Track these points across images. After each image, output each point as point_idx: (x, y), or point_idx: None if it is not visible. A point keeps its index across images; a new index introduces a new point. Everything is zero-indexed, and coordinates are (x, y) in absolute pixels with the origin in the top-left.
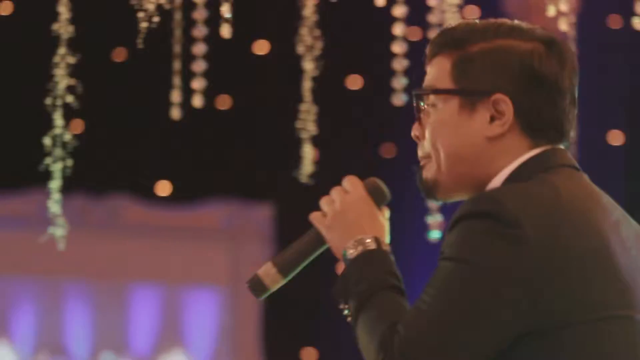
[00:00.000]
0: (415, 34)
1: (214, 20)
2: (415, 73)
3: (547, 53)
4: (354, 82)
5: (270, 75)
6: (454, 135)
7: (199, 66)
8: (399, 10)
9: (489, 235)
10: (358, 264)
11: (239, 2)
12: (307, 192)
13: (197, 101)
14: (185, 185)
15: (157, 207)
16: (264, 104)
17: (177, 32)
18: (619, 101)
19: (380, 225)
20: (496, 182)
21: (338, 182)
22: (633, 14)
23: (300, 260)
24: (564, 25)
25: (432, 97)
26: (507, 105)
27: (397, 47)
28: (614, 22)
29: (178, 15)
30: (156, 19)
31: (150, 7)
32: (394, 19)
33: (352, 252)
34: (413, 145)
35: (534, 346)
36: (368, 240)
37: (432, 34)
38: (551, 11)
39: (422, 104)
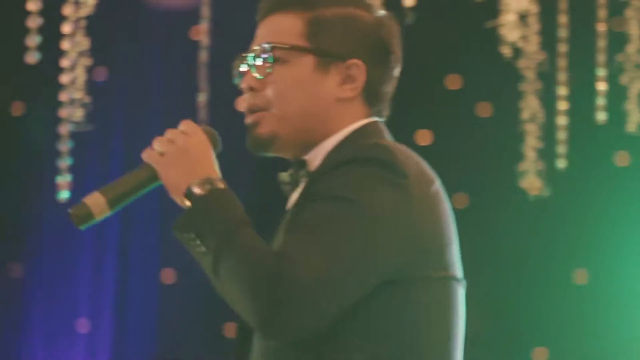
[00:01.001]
0: None
1: None
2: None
3: (391, 28)
4: None
5: None
6: (307, 93)
7: None
8: None
9: (381, 181)
10: (210, 201)
11: None
12: None
13: None
14: None
15: None
16: None
17: None
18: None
19: (217, 167)
20: (331, 142)
21: None
22: None
23: (130, 194)
24: None
25: (283, 52)
26: (360, 72)
27: (32, 5)
28: None
29: None
30: None
31: None
32: None
33: (199, 190)
34: (44, 104)
35: (392, 295)
36: (216, 179)
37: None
38: None
39: (264, 56)
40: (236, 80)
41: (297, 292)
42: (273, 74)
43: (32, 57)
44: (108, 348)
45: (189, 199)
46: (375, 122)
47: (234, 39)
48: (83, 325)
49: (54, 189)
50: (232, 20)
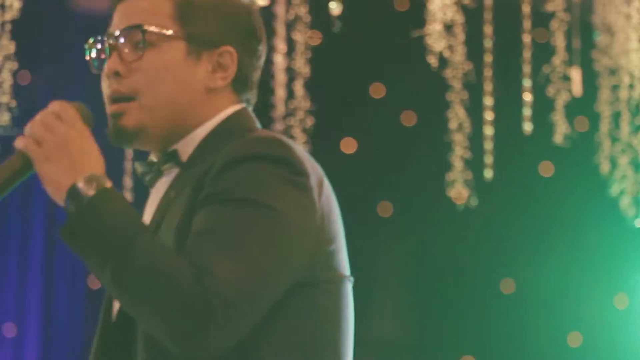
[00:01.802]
0: None
1: None
2: None
3: (258, 15)
4: None
5: None
6: (177, 81)
7: None
8: None
9: (284, 182)
10: (101, 203)
11: None
12: None
13: None
14: None
15: None
16: None
17: None
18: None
19: (102, 161)
20: (201, 131)
21: None
22: None
23: (3, 188)
24: None
25: (154, 36)
26: (232, 60)
27: None
28: None
29: None
30: None
31: None
32: None
33: (86, 190)
34: None
35: (299, 298)
36: (102, 177)
37: None
38: None
39: (133, 39)
40: (94, 64)
41: (223, 312)
42: (142, 60)
43: None
44: (35, 352)
45: (75, 200)
46: (244, 109)
47: None
48: (10, 330)
49: None
50: None
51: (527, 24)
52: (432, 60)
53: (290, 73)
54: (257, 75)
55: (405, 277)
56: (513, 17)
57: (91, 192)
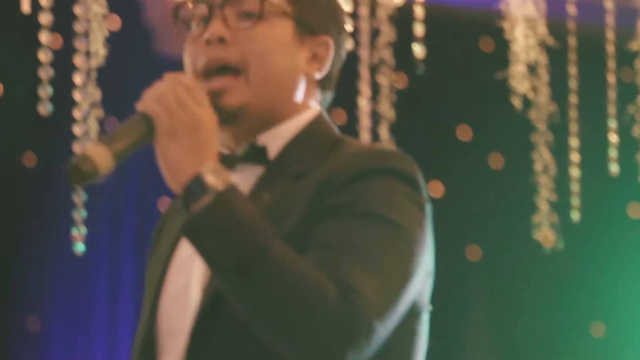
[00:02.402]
0: (59, 43)
1: None
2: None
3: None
4: None
5: None
6: (285, 60)
7: None
8: (45, 18)
9: (410, 200)
10: (231, 199)
11: None
12: None
13: None
14: None
15: None
16: None
17: None
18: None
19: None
20: (289, 127)
21: None
22: None
23: (131, 148)
24: None
25: (269, 7)
26: (328, 52)
27: (43, 56)
28: None
29: None
30: None
31: None
32: (39, 26)
33: (214, 182)
34: (56, 155)
35: (401, 324)
36: (224, 170)
37: (79, 43)
38: None
39: (247, 7)
40: (192, 26)
41: (365, 334)
42: (253, 29)
43: (44, 109)
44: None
45: (199, 191)
46: (323, 113)
47: None
48: None
49: (69, 241)
50: None
51: (611, 63)
52: (517, 102)
53: (375, 116)
54: (337, 75)
55: (495, 320)
56: (597, 56)
57: (220, 186)
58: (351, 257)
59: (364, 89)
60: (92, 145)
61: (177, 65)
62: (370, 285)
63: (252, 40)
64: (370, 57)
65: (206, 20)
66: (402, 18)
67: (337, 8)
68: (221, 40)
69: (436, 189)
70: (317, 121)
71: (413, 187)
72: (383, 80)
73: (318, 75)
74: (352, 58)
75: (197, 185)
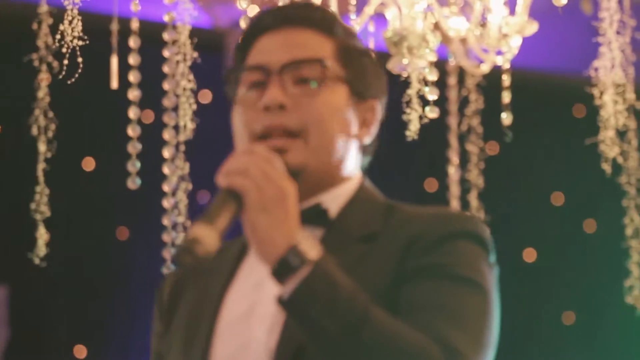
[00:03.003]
0: (149, 117)
1: None
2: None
3: None
4: (89, 164)
5: (3, 157)
6: (342, 126)
7: None
8: (133, 94)
9: (487, 264)
10: (329, 269)
11: None
12: (41, 274)
13: None
14: None
15: None
16: None
17: None
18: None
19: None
20: (344, 190)
21: (71, 264)
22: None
23: (229, 225)
24: None
25: (325, 73)
26: (375, 116)
27: (132, 131)
28: None
29: None
30: None
31: None
32: (128, 102)
33: (309, 252)
34: (147, 229)
35: None
36: (314, 240)
37: (168, 117)
38: None
39: (309, 73)
40: (247, 94)
41: None
42: (315, 95)
43: (133, 183)
44: None
45: (294, 262)
46: (365, 178)
47: None
48: None
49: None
50: None
51: None
52: (607, 167)
53: (464, 184)
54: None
55: None
56: None
57: (314, 255)
58: (447, 318)
59: (453, 157)
60: (198, 227)
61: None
62: (469, 346)
63: (311, 107)
64: (458, 125)
65: (260, 85)
66: (490, 86)
67: (380, 72)
68: (281, 107)
69: (529, 255)
70: (364, 186)
71: (487, 250)
72: (472, 148)
73: (367, 140)
74: (441, 127)
75: (293, 256)
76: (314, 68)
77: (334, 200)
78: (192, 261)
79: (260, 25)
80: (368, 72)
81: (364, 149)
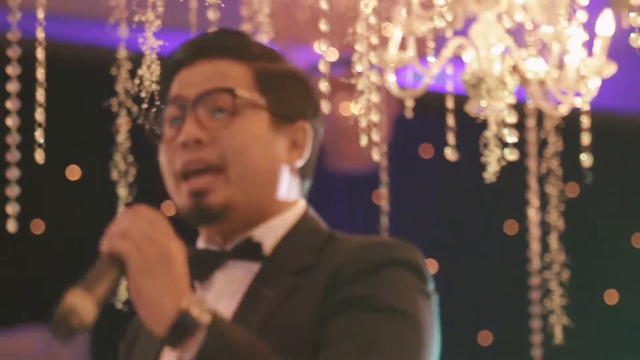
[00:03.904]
0: None
1: (27, 144)
2: None
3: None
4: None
5: (84, 200)
6: (263, 154)
7: (13, 191)
8: None
9: (420, 291)
10: (223, 331)
11: (52, 127)
12: (124, 318)
13: (11, 226)
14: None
15: None
16: (78, 228)
17: None
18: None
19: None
20: (282, 222)
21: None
22: (444, 143)
23: (109, 293)
24: (376, 155)
25: (242, 102)
26: (306, 137)
27: None
28: (425, 151)
29: None
30: None
31: None
32: None
33: (200, 315)
34: None
35: None
36: (203, 299)
37: None
38: (363, 140)
39: (221, 104)
40: (159, 131)
41: None
42: (229, 126)
43: None
44: None
45: (185, 327)
46: (308, 207)
47: (413, 205)
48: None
49: None
50: (408, 184)
51: None
52: None
53: (544, 226)
54: (315, 159)
55: None
56: None
57: (206, 318)
58: (365, 351)
59: (533, 199)
60: (73, 295)
61: (346, 179)
62: None
63: (228, 138)
64: (538, 167)
65: (178, 120)
66: (569, 128)
67: (309, 91)
68: (197, 142)
69: (611, 297)
70: (306, 216)
71: (420, 277)
72: (552, 190)
73: (299, 163)
74: (520, 169)
75: (184, 322)
76: (226, 98)
77: (268, 234)
78: (66, 334)
79: (178, 59)
80: (292, 93)
81: (301, 173)
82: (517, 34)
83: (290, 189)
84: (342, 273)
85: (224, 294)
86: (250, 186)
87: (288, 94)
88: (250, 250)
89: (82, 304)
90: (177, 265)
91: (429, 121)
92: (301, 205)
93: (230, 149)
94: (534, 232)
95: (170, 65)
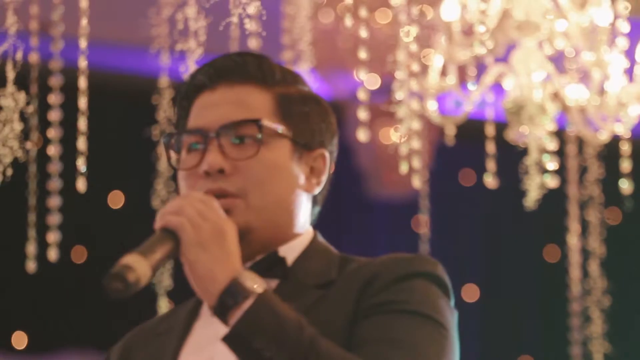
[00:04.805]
0: None
1: (69, 173)
2: None
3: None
4: None
5: (126, 228)
6: (285, 182)
7: (54, 219)
8: None
9: (444, 301)
10: (273, 301)
11: (94, 155)
12: None
13: (52, 254)
14: (42, 336)
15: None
16: (120, 256)
17: (32, 185)
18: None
19: None
20: (297, 245)
21: None
22: (485, 170)
23: (164, 262)
24: (416, 182)
25: (259, 132)
26: (324, 165)
27: None
28: (466, 178)
29: (32, 168)
30: (10, 171)
31: (5, 160)
32: None
33: (252, 285)
34: None
35: None
36: (257, 275)
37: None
38: (404, 167)
39: (247, 134)
40: (188, 157)
41: None
42: (253, 157)
43: None
44: None
45: (237, 296)
46: (317, 232)
47: (453, 232)
48: None
49: None
50: (449, 211)
51: None
52: None
53: (585, 253)
54: (327, 190)
55: None
56: None
57: (259, 288)
58: (398, 350)
59: (573, 225)
60: (130, 256)
61: (387, 206)
62: None
63: (251, 169)
64: (579, 194)
65: (197, 145)
66: (610, 154)
67: (327, 118)
68: (220, 172)
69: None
70: (317, 239)
71: (445, 292)
72: (592, 216)
73: (317, 190)
74: (561, 195)
75: (235, 290)
76: (251, 127)
77: (288, 252)
78: (122, 287)
79: (197, 84)
80: (312, 119)
81: (315, 200)
82: (558, 61)
83: (304, 213)
84: (374, 282)
85: None
86: (270, 214)
87: (308, 120)
88: (272, 264)
89: (137, 262)
90: (230, 241)
91: (470, 148)
92: (310, 231)
93: (251, 181)
94: (575, 258)
95: (191, 88)
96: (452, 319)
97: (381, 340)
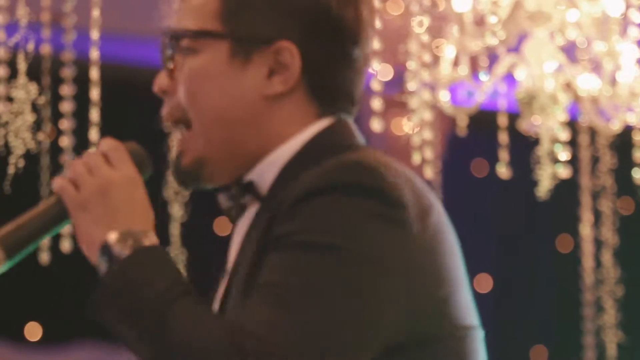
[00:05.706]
0: None
1: None
2: None
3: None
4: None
5: None
6: (221, 92)
7: None
8: None
9: (372, 217)
10: (134, 265)
11: None
12: None
13: (66, 245)
14: (56, 328)
15: (27, 351)
16: None
17: (44, 176)
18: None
19: (151, 214)
20: (281, 154)
21: None
22: (497, 160)
23: (33, 238)
24: (429, 172)
25: (188, 40)
26: (292, 57)
27: None
28: (478, 169)
29: (45, 160)
30: (22, 163)
31: (18, 151)
32: None
33: (120, 248)
34: None
35: None
36: (140, 232)
37: None
38: (416, 158)
39: (172, 49)
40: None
41: None
42: (180, 69)
43: None
44: None
45: (107, 261)
46: (339, 122)
47: (466, 222)
48: None
49: None
50: (461, 201)
51: None
52: None
53: (598, 243)
54: (348, 73)
55: None
56: None
57: (126, 251)
58: (262, 298)
59: (586, 215)
60: None
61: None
62: (274, 325)
63: (182, 83)
64: (591, 184)
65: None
66: (622, 144)
67: (292, 4)
68: (164, 94)
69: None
70: (317, 139)
71: (377, 199)
72: (605, 206)
73: (283, 87)
74: (573, 185)
75: (106, 254)
76: (175, 40)
77: (265, 173)
78: None
79: None
80: (270, 12)
81: (318, 94)
82: (570, 51)
83: (288, 117)
84: (281, 206)
85: (236, 241)
86: (214, 134)
87: (261, 14)
88: (245, 192)
89: None
90: (116, 197)
91: (482, 139)
92: (312, 130)
93: (184, 97)
94: (587, 248)
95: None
96: (368, 237)
97: (257, 287)
